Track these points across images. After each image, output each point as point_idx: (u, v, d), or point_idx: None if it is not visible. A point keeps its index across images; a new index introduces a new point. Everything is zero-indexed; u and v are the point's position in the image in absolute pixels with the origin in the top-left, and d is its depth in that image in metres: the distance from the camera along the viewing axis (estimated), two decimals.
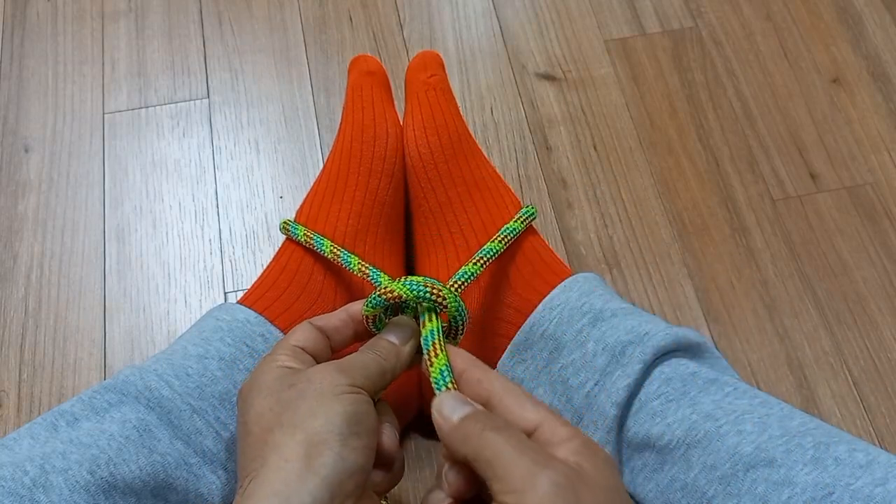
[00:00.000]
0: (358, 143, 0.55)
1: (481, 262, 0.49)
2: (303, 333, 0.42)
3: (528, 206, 0.54)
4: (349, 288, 0.52)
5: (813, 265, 0.65)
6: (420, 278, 0.43)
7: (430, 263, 0.55)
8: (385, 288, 0.42)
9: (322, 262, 0.52)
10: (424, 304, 0.42)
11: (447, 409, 0.37)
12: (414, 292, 0.42)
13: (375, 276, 0.47)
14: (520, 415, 0.36)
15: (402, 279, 0.42)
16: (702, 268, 0.65)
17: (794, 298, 0.63)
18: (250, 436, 0.37)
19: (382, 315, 0.44)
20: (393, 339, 0.43)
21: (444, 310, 0.42)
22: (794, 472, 0.37)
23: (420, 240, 0.56)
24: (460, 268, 0.48)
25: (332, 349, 0.44)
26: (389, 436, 0.40)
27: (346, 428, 0.36)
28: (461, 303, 0.43)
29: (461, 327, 0.44)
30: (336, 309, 0.51)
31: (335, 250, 0.50)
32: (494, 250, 0.50)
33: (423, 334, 0.42)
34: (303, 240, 0.51)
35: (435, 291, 0.42)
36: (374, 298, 0.42)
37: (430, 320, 0.42)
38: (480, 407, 0.37)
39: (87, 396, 0.42)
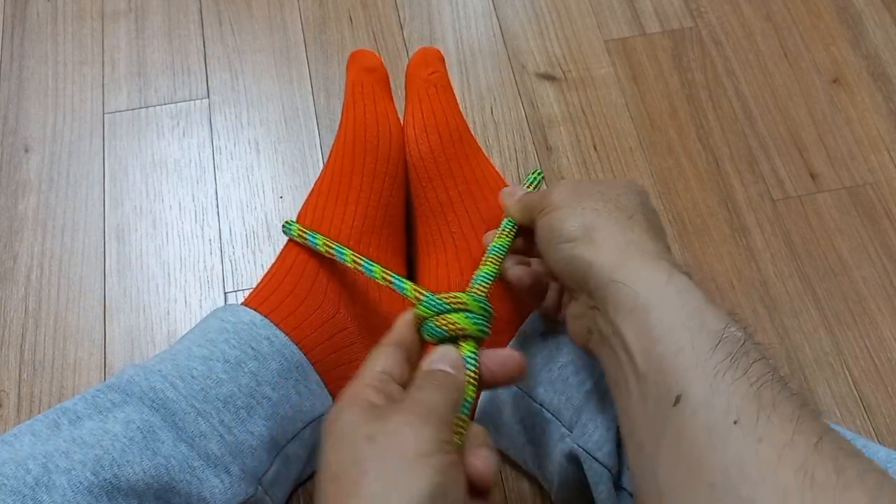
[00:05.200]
0: (361, 143, 0.55)
1: (496, 260, 0.47)
2: (388, 358, 0.38)
3: (536, 171, 0.56)
4: (353, 290, 0.52)
5: (813, 265, 0.65)
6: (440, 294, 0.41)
7: (430, 263, 0.54)
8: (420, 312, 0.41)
9: (326, 264, 0.51)
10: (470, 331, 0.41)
11: (507, 194, 0.49)
12: (433, 308, 0.41)
13: (368, 268, 0.47)
14: None
15: (422, 295, 0.41)
16: (702, 268, 0.65)
17: (794, 298, 0.63)
18: (327, 499, 0.33)
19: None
20: (447, 367, 0.38)
21: (468, 313, 0.41)
22: None
23: (421, 238, 0.56)
24: (476, 270, 0.45)
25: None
26: (487, 461, 0.36)
27: None
28: (487, 303, 0.41)
29: (488, 326, 0.42)
30: (339, 311, 0.50)
31: (328, 243, 0.49)
32: (504, 245, 0.49)
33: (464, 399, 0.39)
34: (297, 237, 0.51)
35: (451, 300, 0.41)
36: (431, 328, 0.41)
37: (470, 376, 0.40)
38: (531, 191, 0.49)
39: (91, 395, 0.42)
